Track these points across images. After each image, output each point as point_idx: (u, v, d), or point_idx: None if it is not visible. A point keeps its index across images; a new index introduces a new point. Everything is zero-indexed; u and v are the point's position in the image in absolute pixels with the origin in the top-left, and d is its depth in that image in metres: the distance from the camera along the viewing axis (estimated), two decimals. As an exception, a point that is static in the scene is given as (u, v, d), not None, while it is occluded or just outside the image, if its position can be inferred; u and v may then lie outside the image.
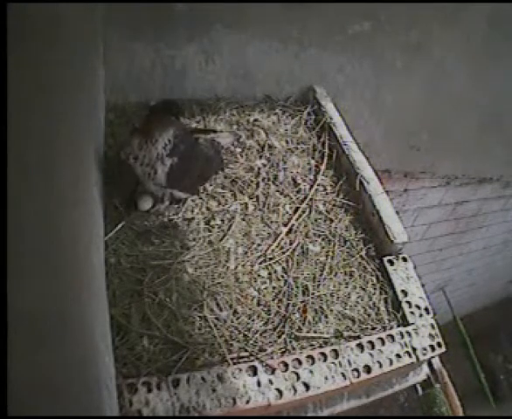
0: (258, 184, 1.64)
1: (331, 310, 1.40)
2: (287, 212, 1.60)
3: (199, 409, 1.08)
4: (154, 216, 1.45)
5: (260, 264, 1.44)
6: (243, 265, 1.41)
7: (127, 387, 1.07)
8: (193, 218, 1.48)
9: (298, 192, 1.68)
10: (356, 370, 1.27)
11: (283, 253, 1.48)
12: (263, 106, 1.93)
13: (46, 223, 0.59)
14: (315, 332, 1.34)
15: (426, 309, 1.47)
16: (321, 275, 1.47)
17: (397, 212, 1.65)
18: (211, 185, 1.58)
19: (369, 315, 1.43)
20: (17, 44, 0.45)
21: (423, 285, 1.54)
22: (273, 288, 1.40)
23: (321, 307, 1.39)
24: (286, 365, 1.22)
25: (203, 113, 1.80)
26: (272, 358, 1.23)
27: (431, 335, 1.42)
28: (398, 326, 1.43)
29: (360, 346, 1.32)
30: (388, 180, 2.70)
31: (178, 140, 1.34)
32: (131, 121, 1.68)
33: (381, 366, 1.30)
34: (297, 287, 1.41)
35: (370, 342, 1.34)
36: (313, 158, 1.80)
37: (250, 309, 1.33)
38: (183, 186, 1.44)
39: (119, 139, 1.60)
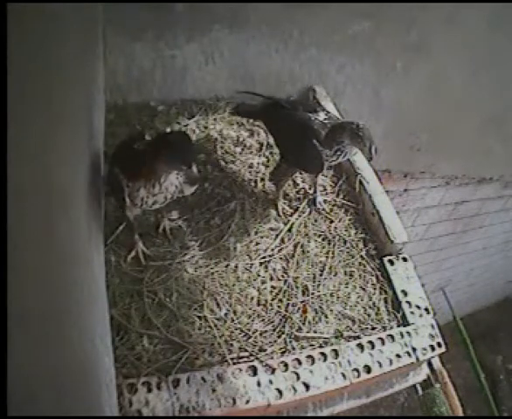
0: (257, 183, 1.64)
1: (331, 310, 1.40)
2: (287, 212, 1.60)
3: (199, 409, 1.08)
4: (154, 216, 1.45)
5: (260, 263, 1.44)
6: (243, 265, 1.41)
7: (127, 387, 1.07)
8: (193, 218, 1.48)
9: (298, 192, 1.68)
10: (356, 370, 1.27)
11: (283, 253, 1.48)
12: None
13: (46, 222, 0.59)
14: (315, 332, 1.34)
15: (426, 309, 1.47)
16: (321, 275, 1.47)
17: (398, 212, 1.65)
18: (210, 185, 1.58)
19: (369, 315, 1.43)
20: (17, 44, 0.45)
21: (423, 285, 1.54)
22: (273, 288, 1.40)
23: (321, 307, 1.39)
24: (286, 365, 1.22)
25: (203, 114, 1.81)
26: (272, 358, 1.23)
27: (431, 335, 1.42)
28: (398, 326, 1.43)
29: (360, 346, 1.32)
30: (388, 180, 2.70)
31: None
32: (131, 121, 1.68)
33: (381, 366, 1.30)
34: (297, 287, 1.41)
35: (370, 342, 1.34)
36: (313, 158, 1.80)
37: (250, 309, 1.33)
38: None
39: (119, 139, 1.60)
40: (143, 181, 1.14)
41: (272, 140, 1.71)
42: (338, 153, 1.42)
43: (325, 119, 1.46)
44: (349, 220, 1.64)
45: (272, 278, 1.42)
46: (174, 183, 1.17)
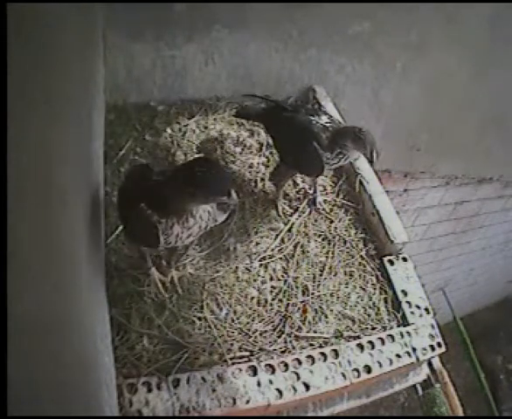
0: (257, 183, 1.64)
1: (331, 310, 1.40)
2: (287, 212, 1.60)
3: (199, 409, 1.08)
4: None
5: (260, 263, 1.44)
6: (243, 265, 1.41)
7: (127, 387, 1.07)
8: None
9: (298, 192, 1.68)
10: (356, 370, 1.27)
11: (283, 253, 1.48)
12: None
13: (46, 222, 0.59)
14: (315, 332, 1.34)
15: (426, 309, 1.47)
16: (321, 275, 1.47)
17: (398, 212, 1.65)
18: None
19: (369, 315, 1.43)
20: (17, 44, 0.45)
21: (423, 285, 1.54)
22: (273, 288, 1.40)
23: (321, 307, 1.39)
24: (286, 365, 1.22)
25: (203, 114, 1.81)
26: (272, 358, 1.23)
27: (431, 335, 1.42)
28: (398, 326, 1.43)
29: (360, 346, 1.32)
30: (388, 180, 2.70)
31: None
32: (131, 121, 1.68)
33: (381, 366, 1.30)
34: (297, 287, 1.41)
35: (370, 342, 1.34)
36: (313, 158, 1.80)
37: (250, 309, 1.33)
38: None
39: (119, 139, 1.60)
40: (176, 217, 1.06)
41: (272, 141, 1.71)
42: (340, 156, 1.43)
43: (327, 122, 1.47)
44: (349, 220, 1.64)
45: (272, 278, 1.42)
46: (207, 209, 1.10)
